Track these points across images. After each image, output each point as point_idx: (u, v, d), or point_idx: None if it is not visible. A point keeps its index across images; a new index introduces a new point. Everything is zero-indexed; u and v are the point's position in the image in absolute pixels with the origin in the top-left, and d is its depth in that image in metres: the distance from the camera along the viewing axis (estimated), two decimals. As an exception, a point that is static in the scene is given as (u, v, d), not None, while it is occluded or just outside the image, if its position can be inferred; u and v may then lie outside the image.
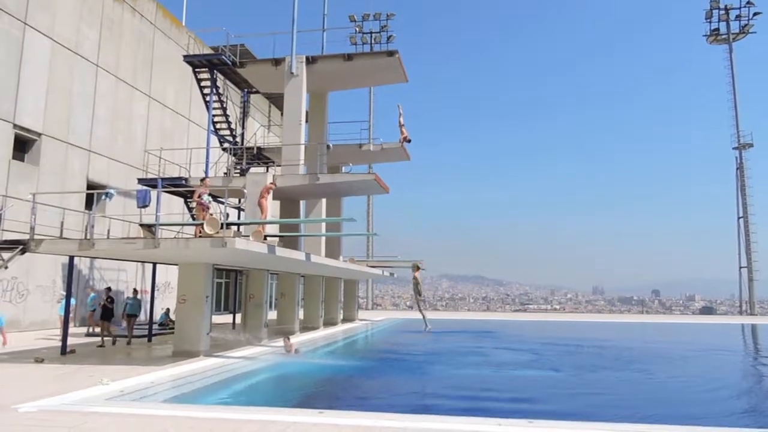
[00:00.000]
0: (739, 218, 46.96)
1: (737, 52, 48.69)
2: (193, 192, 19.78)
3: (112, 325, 22.44)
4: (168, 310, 22.18)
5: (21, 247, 12.81)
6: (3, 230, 13.25)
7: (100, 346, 15.74)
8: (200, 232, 13.04)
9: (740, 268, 47.06)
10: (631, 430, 6.74)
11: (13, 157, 20.00)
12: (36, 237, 12.83)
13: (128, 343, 16.70)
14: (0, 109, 19.36)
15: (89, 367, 11.63)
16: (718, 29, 48.82)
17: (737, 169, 47.50)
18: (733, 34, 48.31)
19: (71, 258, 14.93)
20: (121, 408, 7.86)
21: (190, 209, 23.11)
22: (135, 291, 18.45)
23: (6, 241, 13.14)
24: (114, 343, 16.40)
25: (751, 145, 47.02)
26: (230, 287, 34.93)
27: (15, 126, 19.98)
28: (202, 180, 14.87)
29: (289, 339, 16.32)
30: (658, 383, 13.07)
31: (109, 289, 17.62)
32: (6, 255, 12.94)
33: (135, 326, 17.70)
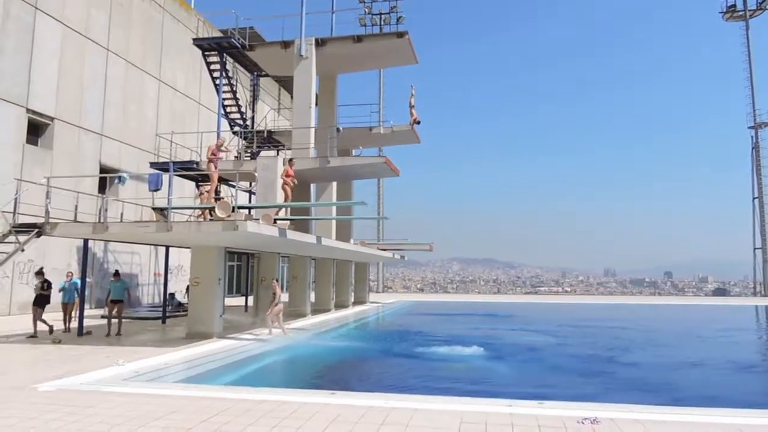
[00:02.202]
0: (754, 199, 46.42)
1: (754, 30, 47.66)
2: (205, 176, 19.88)
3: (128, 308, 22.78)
4: (173, 294, 22.34)
5: (36, 230, 12.99)
6: (18, 214, 13.40)
7: (32, 336, 13.35)
8: (209, 214, 13.21)
9: (755, 249, 46.64)
10: (641, 411, 6.76)
11: (27, 142, 20.19)
12: (51, 220, 12.99)
13: (108, 334, 14.16)
14: (13, 94, 19.51)
15: (105, 348, 11.83)
16: (734, 5, 47.83)
17: (753, 148, 46.84)
18: (750, 10, 47.30)
19: (85, 241, 15.11)
20: (137, 388, 8.01)
21: (201, 193, 23.20)
22: (117, 273, 15.88)
23: (22, 225, 13.32)
24: (51, 332, 13.64)
25: (768, 125, 46.35)
26: (242, 270, 35.23)
27: (28, 110, 20.13)
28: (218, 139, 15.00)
29: (276, 281, 15.77)
30: (686, 365, 13.10)
31: (40, 272, 14.51)
32: (22, 238, 13.12)
33: (150, 308, 17.78)
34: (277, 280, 15.98)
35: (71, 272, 15.68)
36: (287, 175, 16.20)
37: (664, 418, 6.38)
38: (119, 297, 14.75)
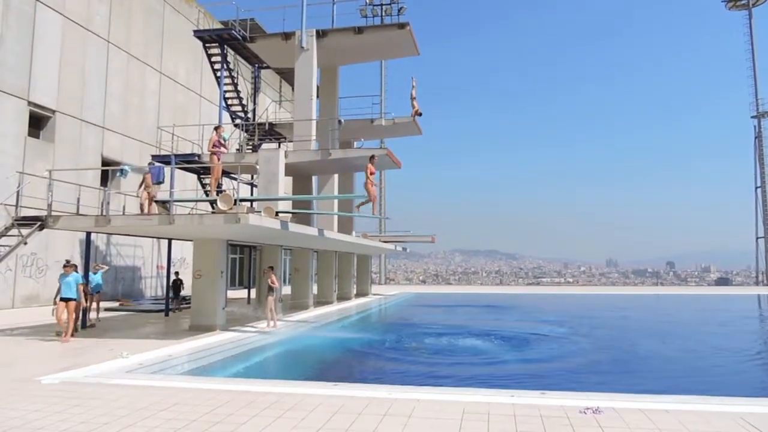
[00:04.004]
0: (756, 188, 46.35)
1: (757, 19, 47.36)
2: (207, 169, 19.88)
3: (132, 301, 22.86)
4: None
5: (39, 223, 13.00)
6: (21, 207, 13.42)
7: None
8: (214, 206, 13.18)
9: (757, 238, 46.64)
10: (643, 401, 6.78)
11: (29, 134, 20.18)
12: (53, 213, 13.00)
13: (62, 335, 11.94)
14: (15, 86, 19.48)
15: (109, 341, 11.88)
16: (738, -6, 47.53)
17: (755, 138, 46.72)
18: (753, -1, 47.02)
19: (88, 234, 15.14)
20: (142, 380, 8.05)
21: (203, 185, 23.21)
22: (67, 263, 12.62)
23: (24, 218, 13.34)
24: None
25: (771, 114, 46.19)
26: (244, 263, 35.27)
27: (29, 103, 20.11)
28: (216, 128, 14.99)
29: (272, 269, 15.64)
30: (689, 354, 13.15)
31: None
32: (25, 231, 13.14)
33: (153, 301, 17.72)
34: (271, 268, 15.86)
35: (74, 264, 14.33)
36: (371, 173, 16.11)
37: (667, 407, 6.39)
38: (71, 295, 12.00)
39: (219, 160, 14.68)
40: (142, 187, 14.85)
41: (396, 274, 79.72)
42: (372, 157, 16.43)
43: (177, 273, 20.46)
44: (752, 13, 46.89)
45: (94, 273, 15.52)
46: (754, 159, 46.60)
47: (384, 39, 22.05)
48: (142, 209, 14.51)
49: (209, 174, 21.75)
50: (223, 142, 14.75)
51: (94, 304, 15.20)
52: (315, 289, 23.78)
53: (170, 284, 19.70)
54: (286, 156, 18.40)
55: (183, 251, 26.77)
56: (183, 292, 20.48)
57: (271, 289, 15.21)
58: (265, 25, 26.50)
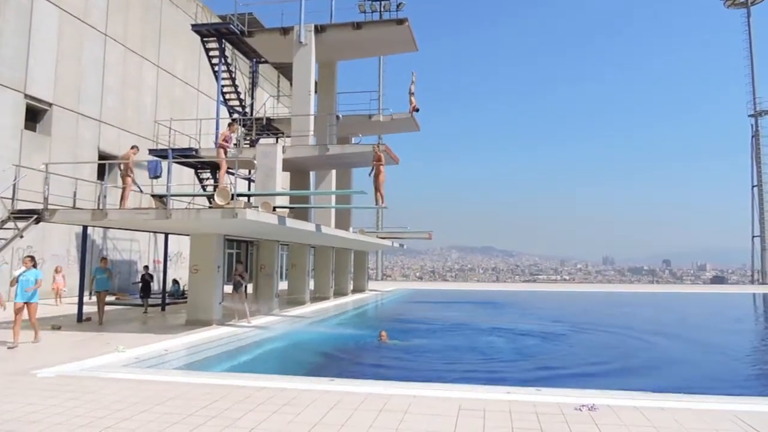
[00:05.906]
0: (753, 187, 46.51)
1: (755, 17, 47.37)
2: (205, 163, 19.85)
3: (128, 295, 22.83)
4: (176, 280, 22.39)
5: (35, 216, 12.96)
6: (17, 200, 13.36)
7: None
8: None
9: (753, 237, 46.78)
10: (639, 398, 6.79)
11: (26, 127, 20.10)
12: (50, 207, 12.96)
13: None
14: (12, 79, 19.39)
15: (105, 335, 11.87)
16: (736, -7, 47.56)
17: (752, 136, 46.84)
18: (751, -3, 47.05)
19: (84, 228, 15.09)
20: (138, 374, 8.04)
21: (200, 180, 23.17)
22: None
23: (21, 211, 13.29)
24: None
25: (768, 113, 46.28)
26: (242, 258, 35.23)
27: (26, 96, 20.02)
28: (230, 124, 14.96)
29: (241, 264, 15.78)
30: (686, 352, 13.22)
31: None
32: (21, 224, 13.10)
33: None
34: (241, 263, 16.00)
35: (31, 257, 11.20)
36: (377, 161, 16.23)
37: (663, 405, 6.41)
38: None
39: (226, 154, 14.56)
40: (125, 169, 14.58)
41: (393, 270, 79.81)
42: (378, 145, 16.65)
43: (146, 267, 18.87)
44: (750, 11, 46.94)
45: (104, 269, 15.31)
46: (751, 158, 46.76)
47: (382, 35, 22.01)
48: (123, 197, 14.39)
49: (207, 168, 21.77)
50: (228, 140, 14.71)
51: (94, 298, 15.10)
52: (312, 284, 23.78)
53: (142, 280, 17.94)
54: (283, 151, 18.37)
55: (180, 245, 26.70)
56: (182, 287, 20.25)
57: (238, 284, 15.08)
58: (263, 19, 26.38)
